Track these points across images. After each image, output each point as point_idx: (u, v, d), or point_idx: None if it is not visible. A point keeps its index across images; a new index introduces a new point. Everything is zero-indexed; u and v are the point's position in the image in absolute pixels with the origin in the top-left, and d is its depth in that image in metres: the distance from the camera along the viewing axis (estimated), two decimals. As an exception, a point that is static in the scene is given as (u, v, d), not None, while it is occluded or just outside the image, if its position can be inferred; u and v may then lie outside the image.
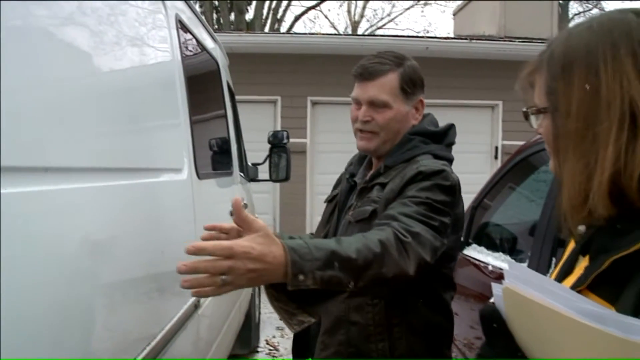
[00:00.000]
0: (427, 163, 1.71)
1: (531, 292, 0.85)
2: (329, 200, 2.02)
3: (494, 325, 0.94)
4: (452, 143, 1.87)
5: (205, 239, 1.54)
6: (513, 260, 0.93)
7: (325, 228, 1.93)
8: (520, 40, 9.56)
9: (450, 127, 1.88)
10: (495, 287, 0.95)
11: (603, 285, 0.87)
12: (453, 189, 1.68)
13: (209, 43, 3.37)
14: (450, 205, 1.66)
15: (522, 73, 1.03)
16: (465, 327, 2.98)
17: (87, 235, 1.26)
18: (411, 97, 1.81)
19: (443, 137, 1.85)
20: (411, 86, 1.79)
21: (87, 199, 1.27)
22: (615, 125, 0.86)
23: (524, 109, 1.03)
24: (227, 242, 1.21)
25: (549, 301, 0.82)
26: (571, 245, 1.07)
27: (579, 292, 0.87)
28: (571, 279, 0.96)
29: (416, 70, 1.83)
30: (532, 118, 1.01)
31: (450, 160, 1.81)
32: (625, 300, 0.82)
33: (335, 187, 2.07)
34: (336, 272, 1.31)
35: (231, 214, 1.30)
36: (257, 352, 5.31)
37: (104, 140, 1.41)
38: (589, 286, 0.88)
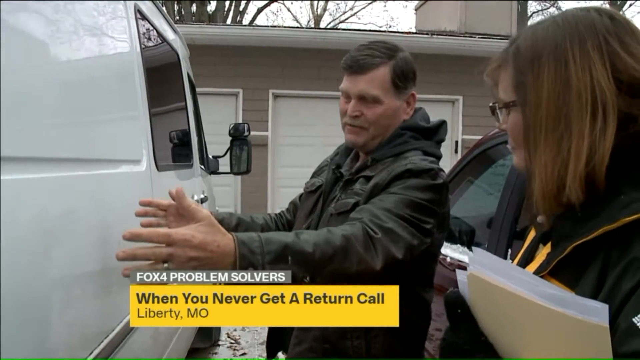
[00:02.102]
0: (416, 160, 1.65)
1: (495, 278, 0.87)
2: (311, 191, 1.91)
3: (458, 310, 0.96)
4: (442, 140, 1.82)
5: (140, 214, 1.51)
6: (479, 249, 0.96)
7: (307, 220, 1.84)
8: (480, 36, 9.70)
9: (442, 124, 1.83)
10: (460, 274, 0.97)
11: (564, 271, 0.90)
12: (440, 188, 1.63)
13: (169, 34, 3.32)
14: (436, 204, 1.61)
15: (487, 69, 1.05)
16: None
17: (43, 228, 1.23)
18: (403, 91, 1.73)
19: (434, 134, 1.80)
20: (403, 80, 1.72)
21: (43, 190, 1.25)
22: (589, 115, 0.89)
23: (491, 104, 1.05)
24: (166, 229, 1.19)
25: (512, 286, 0.84)
26: (531, 235, 1.11)
27: (541, 277, 0.90)
28: (533, 266, 1.00)
29: (408, 63, 1.74)
30: (500, 113, 1.04)
31: (438, 157, 1.76)
32: (584, 284, 0.86)
33: (314, 174, 1.99)
34: (289, 266, 1.28)
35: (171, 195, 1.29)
36: (219, 345, 5.29)
37: (59, 130, 1.38)
38: (551, 272, 0.92)
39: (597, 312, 0.76)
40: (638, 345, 0.76)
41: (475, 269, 0.91)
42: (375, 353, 1.67)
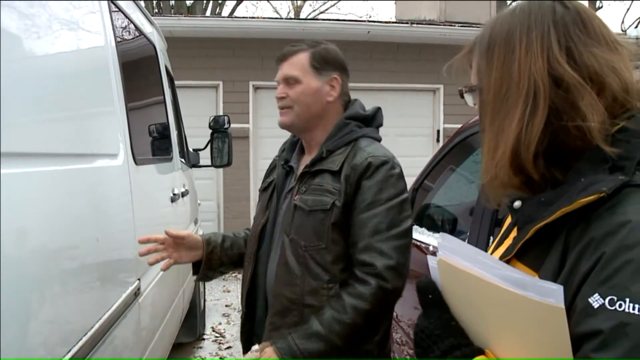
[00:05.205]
0: (371, 151, 1.81)
1: (461, 262, 0.90)
2: (264, 188, 2.04)
3: (430, 296, 0.98)
4: (381, 125, 1.99)
5: (143, 254, 1.58)
6: (446, 234, 1.00)
7: (264, 214, 1.95)
8: (460, 24, 9.69)
9: (378, 110, 1.99)
10: (431, 260, 1.00)
11: (528, 253, 0.92)
12: (402, 173, 1.82)
13: (146, 27, 3.29)
14: (406, 189, 1.81)
15: (459, 55, 1.08)
16: (410, 308, 3.02)
17: (18, 223, 1.22)
18: (322, 72, 1.88)
19: (372, 120, 1.96)
20: (322, 63, 1.88)
21: (17, 186, 1.23)
22: (522, 101, 0.92)
23: (460, 88, 1.08)
24: None
25: (478, 270, 0.87)
26: (508, 221, 1.12)
27: (507, 261, 0.92)
28: (500, 250, 1.02)
29: (330, 52, 1.91)
30: (467, 96, 1.06)
31: (379, 141, 1.93)
32: (547, 266, 0.88)
33: (267, 175, 2.09)
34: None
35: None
36: (203, 339, 5.28)
37: (32, 125, 1.37)
38: (516, 255, 0.94)
39: (553, 294, 0.79)
40: (593, 325, 0.78)
41: (444, 254, 0.93)
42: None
